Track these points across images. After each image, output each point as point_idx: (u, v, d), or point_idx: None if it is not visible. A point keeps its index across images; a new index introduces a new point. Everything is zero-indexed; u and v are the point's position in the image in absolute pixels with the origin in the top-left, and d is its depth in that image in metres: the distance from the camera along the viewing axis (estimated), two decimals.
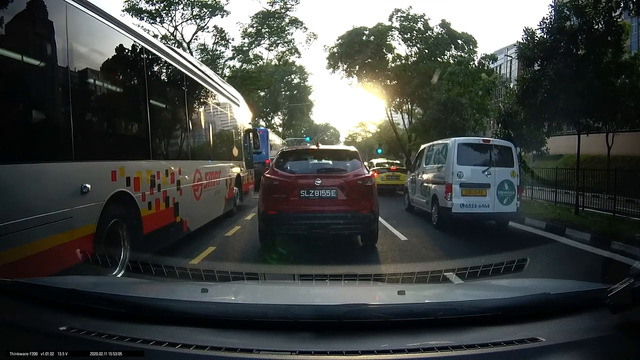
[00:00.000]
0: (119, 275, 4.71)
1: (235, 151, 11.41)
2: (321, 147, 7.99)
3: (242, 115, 12.87)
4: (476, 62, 24.14)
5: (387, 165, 20.31)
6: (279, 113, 49.85)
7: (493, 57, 24.50)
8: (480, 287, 2.57)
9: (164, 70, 7.05)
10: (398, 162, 23.57)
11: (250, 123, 14.71)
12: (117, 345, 1.47)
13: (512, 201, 9.25)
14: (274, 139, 30.60)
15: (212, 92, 9.55)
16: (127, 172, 5.11)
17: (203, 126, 8.84)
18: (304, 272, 3.22)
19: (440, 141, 11.23)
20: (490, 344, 1.49)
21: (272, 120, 48.75)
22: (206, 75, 9.43)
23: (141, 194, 5.45)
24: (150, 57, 6.22)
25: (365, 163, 8.49)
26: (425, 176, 11.13)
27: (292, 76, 47.95)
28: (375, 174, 15.01)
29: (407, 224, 9.93)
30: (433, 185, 10.21)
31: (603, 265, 4.93)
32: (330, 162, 7.62)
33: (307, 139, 53.74)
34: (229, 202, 10.25)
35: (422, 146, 12.52)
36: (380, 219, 7.59)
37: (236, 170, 11.23)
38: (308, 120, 62.39)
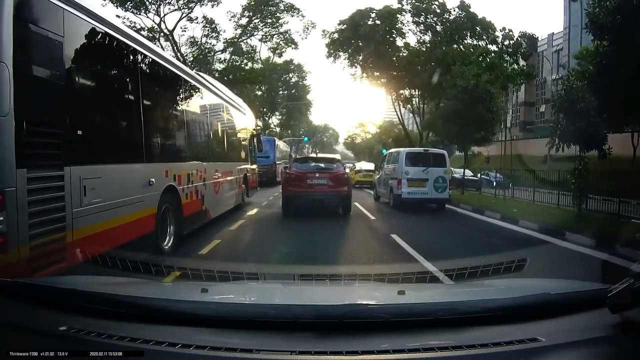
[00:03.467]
0: (169, 245, 6.42)
1: (242, 154, 13.28)
2: (319, 155, 13.80)
3: (248, 122, 14.75)
4: (511, 42, 21.02)
5: (364, 168, 25.50)
6: (277, 113, 49.04)
7: (532, 37, 21.20)
8: (481, 287, 2.57)
9: (199, 96, 9.00)
10: (373, 164, 25.81)
11: (255, 129, 16.24)
12: (117, 345, 1.47)
13: (445, 190, 13.35)
14: (280, 144, 30.03)
15: (228, 107, 11.77)
16: (174, 171, 6.79)
17: (220, 134, 10.87)
18: (304, 272, 3.22)
19: (394, 150, 16.04)
20: (490, 344, 1.49)
21: (270, 120, 47.41)
22: (225, 94, 11.76)
23: (182, 187, 7.08)
24: (191, 88, 8.38)
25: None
26: (385, 174, 15.18)
27: (290, 75, 47.05)
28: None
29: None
30: (390, 180, 14.23)
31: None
32: (324, 164, 11.92)
33: (306, 139, 53.67)
34: (238, 197, 12.12)
35: (385, 152, 16.86)
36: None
37: (244, 170, 13.02)
38: (306, 121, 61.93)
